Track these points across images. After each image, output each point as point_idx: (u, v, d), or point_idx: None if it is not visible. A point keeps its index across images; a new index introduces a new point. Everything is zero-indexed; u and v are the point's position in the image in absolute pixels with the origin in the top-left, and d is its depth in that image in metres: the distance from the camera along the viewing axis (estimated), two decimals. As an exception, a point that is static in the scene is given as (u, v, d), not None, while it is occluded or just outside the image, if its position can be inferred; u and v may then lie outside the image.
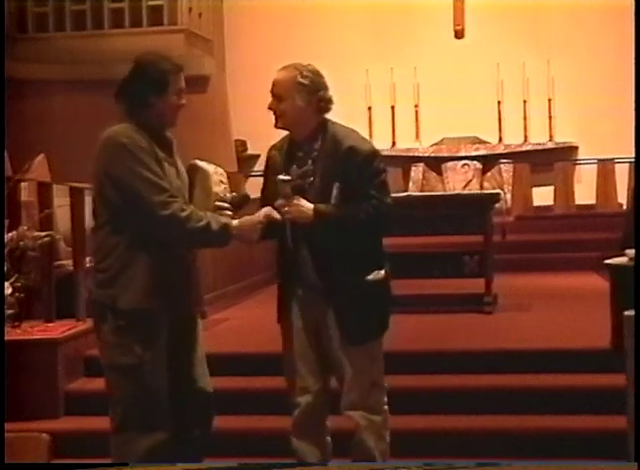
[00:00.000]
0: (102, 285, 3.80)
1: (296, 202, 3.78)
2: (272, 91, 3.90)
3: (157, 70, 3.78)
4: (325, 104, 3.88)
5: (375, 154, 3.90)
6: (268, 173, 4.01)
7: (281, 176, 3.81)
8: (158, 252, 3.75)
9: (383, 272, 3.92)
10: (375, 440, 3.93)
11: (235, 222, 3.79)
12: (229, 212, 3.83)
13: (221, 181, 3.88)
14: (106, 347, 3.84)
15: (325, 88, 3.88)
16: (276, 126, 3.93)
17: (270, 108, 3.90)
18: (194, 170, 3.89)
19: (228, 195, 3.88)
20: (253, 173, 13.06)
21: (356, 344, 3.88)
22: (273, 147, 4.04)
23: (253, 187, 14.39)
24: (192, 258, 3.92)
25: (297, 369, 3.97)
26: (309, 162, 3.87)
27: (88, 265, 3.96)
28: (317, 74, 3.88)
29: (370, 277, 3.88)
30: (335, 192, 3.79)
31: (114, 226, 3.76)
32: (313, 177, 3.83)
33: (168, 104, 3.79)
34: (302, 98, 3.84)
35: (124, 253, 3.75)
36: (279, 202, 3.81)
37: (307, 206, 3.79)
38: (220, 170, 3.92)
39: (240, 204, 3.91)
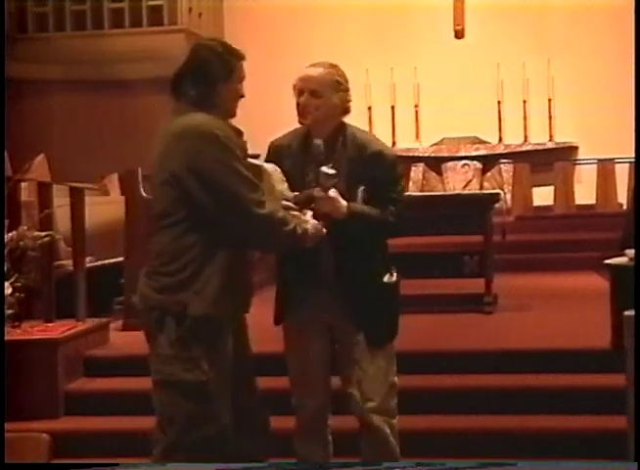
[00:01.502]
0: (167, 290, 3.45)
1: (333, 195, 3.73)
2: (304, 87, 3.83)
3: (224, 55, 3.58)
4: (349, 106, 3.92)
5: (397, 160, 3.97)
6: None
7: (325, 169, 3.71)
8: (234, 253, 3.50)
9: (395, 274, 3.93)
10: (395, 443, 3.95)
11: (309, 228, 3.59)
12: (296, 212, 3.65)
13: (282, 180, 3.73)
14: (163, 360, 3.47)
15: (349, 90, 3.92)
16: (302, 122, 3.87)
17: (301, 103, 3.83)
18: (253, 170, 3.64)
19: (290, 194, 3.73)
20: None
21: (378, 345, 3.88)
22: (278, 141, 3.98)
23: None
24: (253, 258, 3.73)
25: (305, 372, 3.94)
26: (330, 162, 3.80)
27: (148, 268, 3.61)
28: (345, 76, 3.92)
29: (385, 279, 3.89)
30: (360, 195, 3.79)
31: (193, 225, 3.44)
32: (337, 179, 3.76)
33: (233, 92, 3.61)
34: (339, 96, 3.85)
35: (201, 254, 3.43)
36: (317, 193, 3.72)
37: (342, 202, 3.75)
38: (279, 169, 3.75)
39: (305, 203, 3.72)
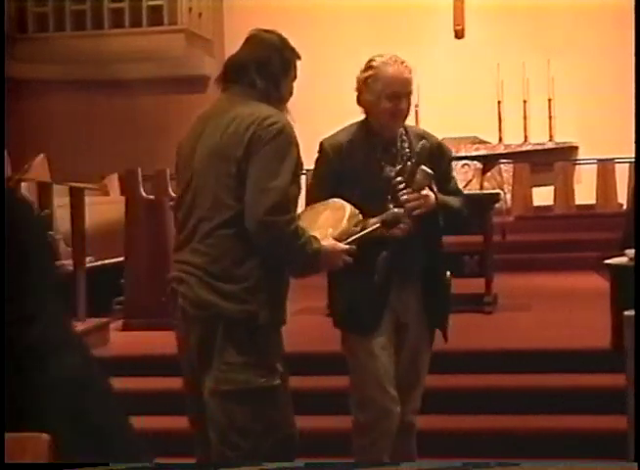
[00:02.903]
0: (234, 297, 3.27)
1: (425, 193, 3.67)
2: (402, 91, 3.75)
3: (287, 51, 3.46)
4: None
5: None
6: (332, 168, 3.79)
7: (425, 168, 3.66)
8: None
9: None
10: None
11: (324, 246, 3.35)
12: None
13: (355, 225, 3.52)
14: (234, 368, 3.29)
15: None
16: (394, 126, 3.77)
17: (401, 108, 3.73)
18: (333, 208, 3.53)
19: (371, 220, 3.59)
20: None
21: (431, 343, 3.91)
22: (334, 140, 3.82)
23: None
24: None
25: (385, 378, 3.80)
26: (400, 159, 3.77)
27: (199, 270, 3.35)
28: None
29: (448, 274, 3.91)
30: (434, 189, 3.75)
31: None
32: (432, 178, 3.72)
33: (289, 90, 3.48)
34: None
35: (257, 260, 3.27)
36: (410, 194, 3.65)
37: (432, 195, 3.71)
38: (358, 214, 3.53)
39: (394, 223, 3.61)
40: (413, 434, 3.98)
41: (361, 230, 3.50)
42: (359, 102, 3.85)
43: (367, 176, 3.73)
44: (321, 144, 3.86)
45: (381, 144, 3.79)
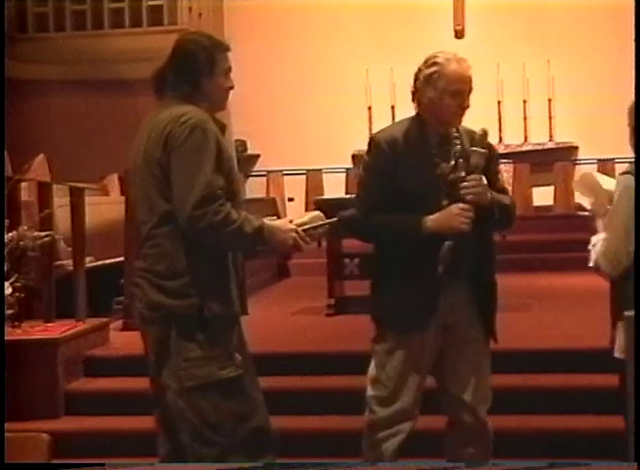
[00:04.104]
0: (178, 294, 3.37)
1: (483, 180, 3.69)
2: (465, 88, 3.80)
3: (207, 48, 3.53)
4: None
5: None
6: (388, 163, 3.75)
7: (478, 149, 3.70)
8: (222, 253, 3.45)
9: None
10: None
11: (268, 222, 3.45)
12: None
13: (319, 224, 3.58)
14: (194, 364, 3.37)
15: None
16: (453, 124, 3.84)
17: (464, 106, 3.81)
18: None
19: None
20: (253, 173, 13.08)
21: (491, 341, 3.90)
22: (388, 135, 3.82)
23: (253, 186, 14.42)
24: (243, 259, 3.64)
25: (403, 387, 3.82)
26: (453, 156, 3.77)
27: (145, 272, 3.49)
28: None
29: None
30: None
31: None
32: (464, 171, 3.73)
33: (219, 85, 3.55)
34: None
35: (196, 253, 3.37)
36: (469, 178, 3.67)
37: (486, 187, 3.73)
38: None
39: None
40: (488, 433, 3.95)
41: (317, 226, 3.55)
42: (416, 98, 3.86)
43: (422, 172, 3.74)
44: (374, 138, 3.86)
45: (435, 140, 3.80)
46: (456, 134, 3.83)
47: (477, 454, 3.92)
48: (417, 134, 3.80)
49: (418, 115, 3.86)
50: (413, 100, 3.88)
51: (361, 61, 12.64)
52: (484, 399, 3.92)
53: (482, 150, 3.71)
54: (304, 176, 12.54)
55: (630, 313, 3.77)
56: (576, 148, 12.74)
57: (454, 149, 3.79)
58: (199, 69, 3.51)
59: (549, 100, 12.61)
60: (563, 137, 12.74)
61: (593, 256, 3.57)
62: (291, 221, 3.53)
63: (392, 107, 12.72)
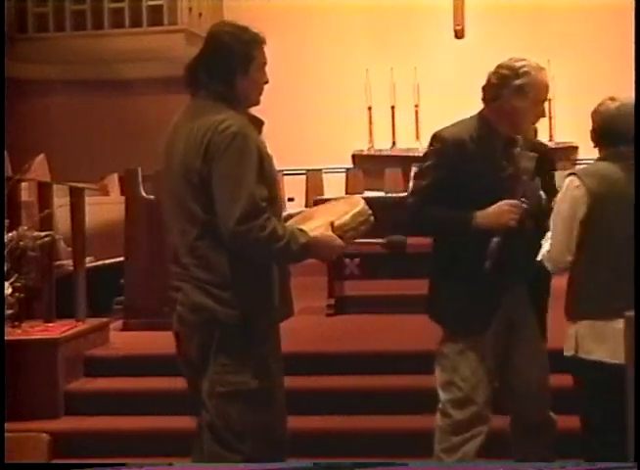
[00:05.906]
0: (226, 302, 3.31)
1: (537, 183, 3.74)
2: (545, 96, 3.99)
3: (243, 41, 3.37)
4: None
5: None
6: (453, 162, 3.80)
7: (527, 152, 3.75)
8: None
9: None
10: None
11: (314, 236, 3.34)
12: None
13: (361, 223, 3.51)
14: (231, 370, 3.34)
15: None
16: (523, 128, 3.90)
17: (543, 114, 3.96)
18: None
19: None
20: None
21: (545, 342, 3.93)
22: (454, 134, 3.89)
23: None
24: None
25: (478, 388, 3.83)
26: (514, 157, 3.80)
27: (191, 277, 3.42)
28: None
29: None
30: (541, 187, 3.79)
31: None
32: (525, 174, 3.76)
33: (253, 82, 3.41)
34: None
35: (241, 265, 3.30)
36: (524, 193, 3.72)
37: (539, 188, 3.77)
38: (369, 215, 3.54)
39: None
40: (548, 433, 3.97)
41: (359, 226, 3.47)
42: (491, 101, 3.92)
43: (486, 174, 3.75)
44: (438, 136, 3.91)
45: (501, 143, 3.82)
46: (518, 138, 3.86)
47: (542, 453, 3.95)
48: (483, 136, 3.82)
49: (482, 115, 3.88)
50: (484, 101, 3.92)
51: (361, 61, 12.62)
52: (548, 397, 3.98)
53: (532, 154, 3.75)
54: (304, 176, 12.54)
55: (630, 313, 3.77)
56: (576, 148, 12.73)
57: (516, 153, 3.81)
58: (234, 66, 3.36)
59: (549, 100, 12.60)
60: (563, 137, 12.74)
61: (542, 251, 3.61)
62: (332, 223, 3.42)
63: (392, 107, 12.72)
